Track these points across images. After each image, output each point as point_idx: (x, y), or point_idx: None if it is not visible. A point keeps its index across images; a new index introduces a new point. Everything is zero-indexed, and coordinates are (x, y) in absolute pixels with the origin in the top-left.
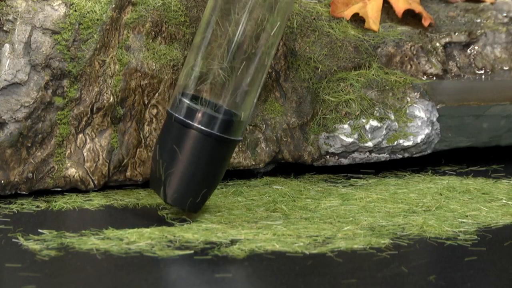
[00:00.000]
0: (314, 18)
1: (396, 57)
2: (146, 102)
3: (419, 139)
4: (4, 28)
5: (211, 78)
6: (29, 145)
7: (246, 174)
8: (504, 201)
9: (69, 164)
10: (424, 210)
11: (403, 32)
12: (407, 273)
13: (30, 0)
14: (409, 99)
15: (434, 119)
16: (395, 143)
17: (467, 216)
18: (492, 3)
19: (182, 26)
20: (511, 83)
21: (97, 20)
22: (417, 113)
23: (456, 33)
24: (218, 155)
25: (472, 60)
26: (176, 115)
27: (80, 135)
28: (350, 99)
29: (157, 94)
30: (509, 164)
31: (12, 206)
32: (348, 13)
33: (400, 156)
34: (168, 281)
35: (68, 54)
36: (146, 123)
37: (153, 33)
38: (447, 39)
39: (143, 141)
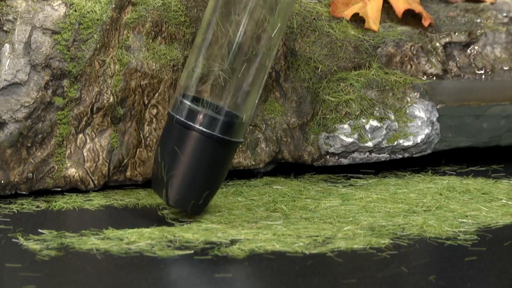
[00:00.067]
0: (314, 18)
1: (396, 57)
2: (146, 102)
3: (419, 139)
4: (4, 28)
5: (212, 80)
6: (29, 145)
7: (246, 174)
8: (504, 201)
9: (69, 164)
10: (424, 210)
11: (403, 32)
12: (407, 273)
13: (30, 0)
14: (409, 99)
15: (434, 119)
16: (395, 143)
17: (467, 216)
18: (492, 3)
19: (182, 26)
20: (511, 83)
21: (97, 20)
22: (417, 113)
23: (456, 33)
24: (219, 157)
25: (472, 60)
26: (177, 116)
27: (80, 135)
28: (350, 99)
29: (157, 94)
30: (509, 164)
31: (12, 206)
32: (348, 13)
33: (400, 156)
34: (168, 281)
35: (68, 54)
36: (146, 123)
37: (153, 33)
38: (447, 39)
39: (143, 141)
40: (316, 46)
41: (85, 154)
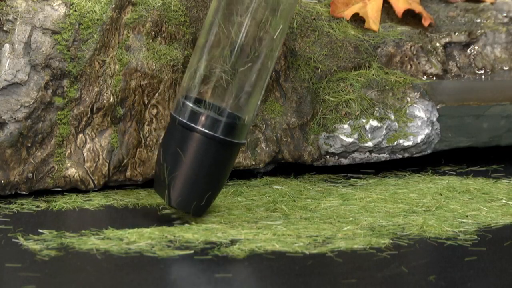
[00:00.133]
0: (314, 18)
1: (396, 57)
2: (146, 102)
3: (419, 139)
4: (4, 28)
5: (214, 81)
6: (29, 145)
7: (246, 174)
8: (504, 201)
9: (69, 164)
10: (424, 210)
11: (403, 32)
12: (407, 273)
13: (30, 0)
14: (409, 99)
15: (434, 119)
16: (395, 143)
17: (467, 216)
18: (492, 3)
19: (182, 26)
20: (511, 83)
21: (97, 20)
22: (417, 113)
23: (456, 33)
24: (221, 158)
25: (472, 60)
26: (180, 118)
27: (80, 135)
28: (350, 99)
29: (157, 94)
30: (509, 164)
31: (12, 206)
32: (348, 13)
33: (400, 156)
34: (168, 281)
35: (68, 54)
36: (146, 123)
37: (153, 33)
38: (447, 39)
39: (143, 141)
40: (316, 46)
41: (85, 154)
